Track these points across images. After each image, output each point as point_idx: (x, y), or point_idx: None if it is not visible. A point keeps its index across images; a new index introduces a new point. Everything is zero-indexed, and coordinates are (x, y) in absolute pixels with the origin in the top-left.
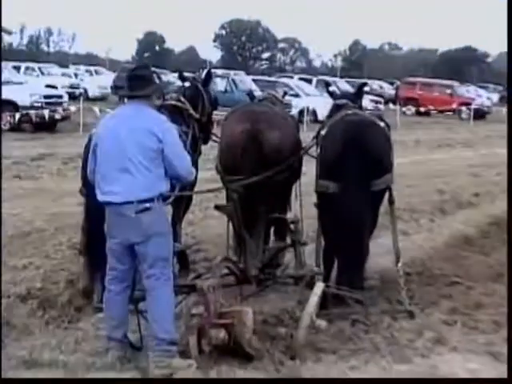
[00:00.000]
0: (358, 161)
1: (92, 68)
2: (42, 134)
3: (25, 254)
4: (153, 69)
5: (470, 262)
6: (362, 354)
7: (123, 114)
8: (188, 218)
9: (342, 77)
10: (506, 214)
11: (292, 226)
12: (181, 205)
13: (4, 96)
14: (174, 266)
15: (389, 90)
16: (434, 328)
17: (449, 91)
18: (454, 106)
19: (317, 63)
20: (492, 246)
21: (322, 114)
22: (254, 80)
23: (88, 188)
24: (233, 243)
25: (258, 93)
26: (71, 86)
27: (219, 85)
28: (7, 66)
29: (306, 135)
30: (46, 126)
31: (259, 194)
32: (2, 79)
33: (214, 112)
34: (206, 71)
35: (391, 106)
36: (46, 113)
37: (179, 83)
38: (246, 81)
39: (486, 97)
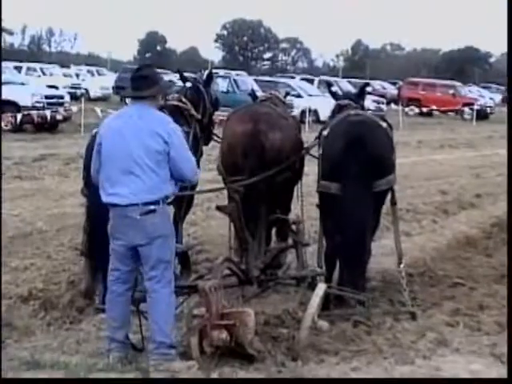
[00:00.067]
0: (361, 161)
1: (93, 68)
2: (43, 134)
3: (26, 254)
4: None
5: (473, 263)
6: (364, 355)
7: (127, 114)
8: (190, 218)
9: (344, 77)
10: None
11: (294, 227)
12: (182, 205)
13: (5, 96)
14: (175, 267)
15: (391, 91)
16: (437, 329)
17: (451, 91)
18: (457, 106)
19: (319, 63)
20: (495, 247)
21: (324, 114)
22: (255, 80)
23: (89, 188)
24: (234, 244)
25: (259, 93)
26: (73, 87)
27: (221, 85)
28: (9, 66)
29: (308, 136)
30: (48, 127)
31: (261, 195)
32: (4, 79)
33: (216, 112)
34: (207, 71)
35: (393, 106)
36: (48, 113)
37: (180, 83)
38: (247, 81)
39: (488, 97)
